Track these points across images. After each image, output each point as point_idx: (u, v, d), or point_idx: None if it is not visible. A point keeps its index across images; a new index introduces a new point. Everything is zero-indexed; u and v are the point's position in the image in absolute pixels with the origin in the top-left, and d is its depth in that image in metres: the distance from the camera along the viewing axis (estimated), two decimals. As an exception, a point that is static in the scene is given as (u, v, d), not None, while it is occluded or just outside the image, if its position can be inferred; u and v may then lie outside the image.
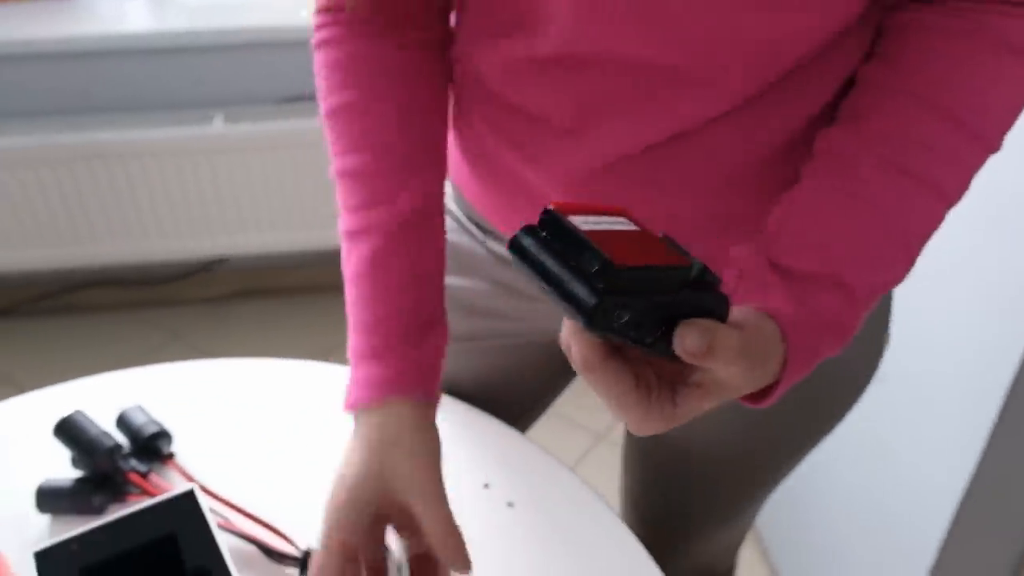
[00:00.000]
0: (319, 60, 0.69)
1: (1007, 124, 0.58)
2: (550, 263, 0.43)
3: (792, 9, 0.56)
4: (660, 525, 0.94)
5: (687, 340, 0.44)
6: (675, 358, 0.46)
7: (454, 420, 0.84)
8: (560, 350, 0.89)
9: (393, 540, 0.65)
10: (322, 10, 0.69)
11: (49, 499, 0.73)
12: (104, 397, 0.83)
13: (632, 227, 0.46)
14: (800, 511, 1.53)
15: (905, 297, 1.14)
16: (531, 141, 0.67)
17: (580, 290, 0.41)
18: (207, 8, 1.88)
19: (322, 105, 0.69)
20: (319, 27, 0.69)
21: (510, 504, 0.76)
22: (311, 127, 1.85)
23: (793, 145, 0.61)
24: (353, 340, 0.67)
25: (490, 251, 0.80)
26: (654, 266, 0.43)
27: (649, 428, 0.49)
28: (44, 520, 0.73)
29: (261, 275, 2.24)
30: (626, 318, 0.43)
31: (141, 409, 0.80)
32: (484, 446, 0.82)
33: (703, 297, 0.46)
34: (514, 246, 0.44)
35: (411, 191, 0.67)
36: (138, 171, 1.87)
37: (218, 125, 1.87)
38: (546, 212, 0.44)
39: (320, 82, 0.69)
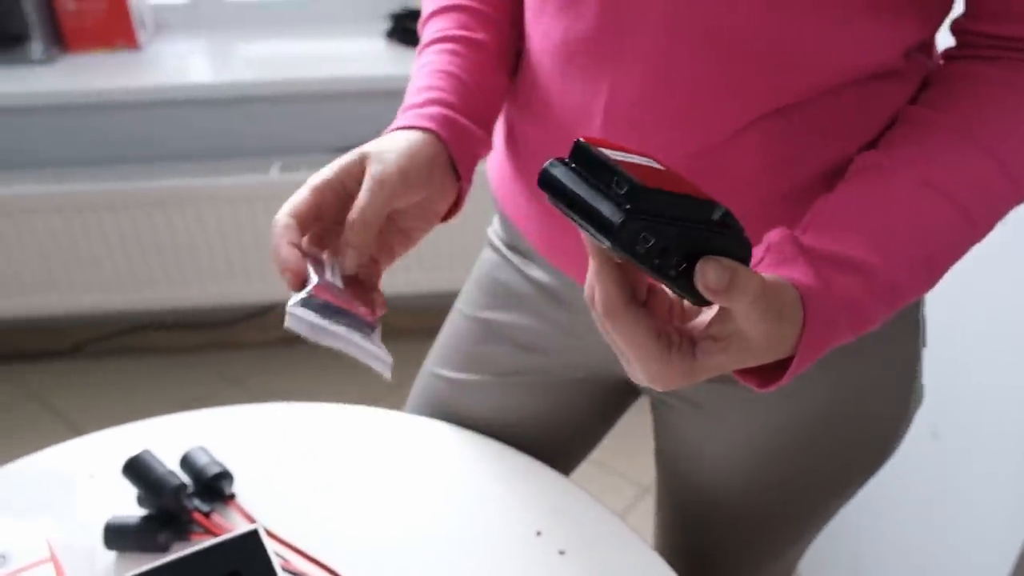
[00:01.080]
0: None
1: None
2: (579, 188, 0.44)
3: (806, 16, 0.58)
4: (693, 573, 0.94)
5: (709, 274, 0.45)
6: (696, 297, 0.47)
7: (506, 467, 0.86)
8: (605, 388, 0.91)
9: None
10: None
11: (116, 536, 0.75)
12: (167, 438, 0.85)
13: (659, 167, 0.47)
14: (849, 567, 1.51)
15: (961, 354, 1.14)
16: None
17: (607, 209, 0.43)
18: (266, 60, 1.95)
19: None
20: None
21: (562, 552, 0.77)
22: (364, 176, 1.90)
23: (827, 182, 0.62)
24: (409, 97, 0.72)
25: (532, 281, 0.83)
26: (681, 194, 0.45)
27: (668, 380, 0.50)
28: (111, 557, 0.76)
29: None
30: (652, 242, 0.44)
31: (204, 450, 0.82)
32: (536, 494, 0.83)
33: (727, 238, 0.47)
34: (544, 177, 0.46)
35: (492, 35, 0.74)
36: (196, 217, 1.92)
37: (275, 174, 1.92)
38: (577, 144, 0.45)
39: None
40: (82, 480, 0.83)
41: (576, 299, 0.79)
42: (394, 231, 0.67)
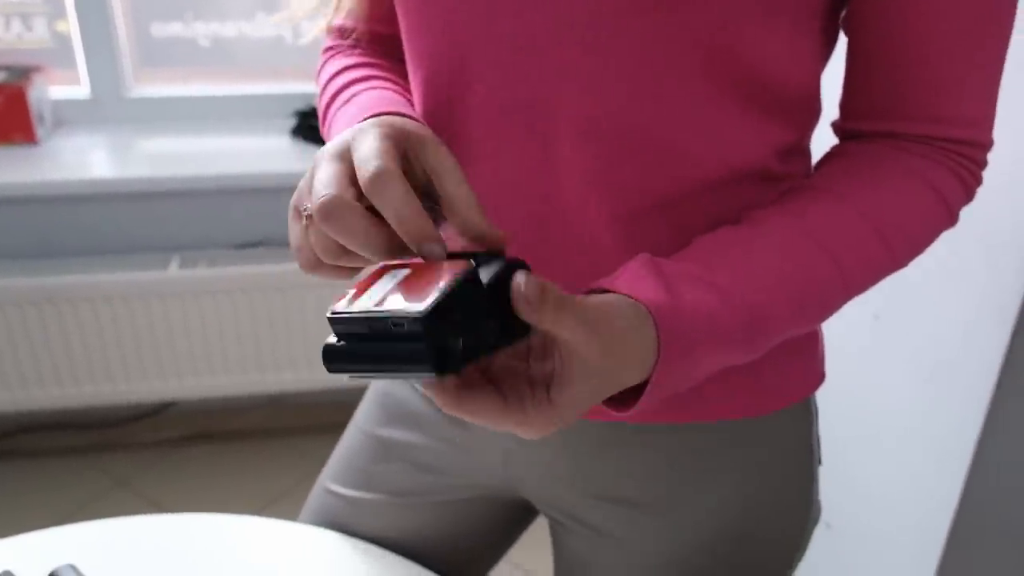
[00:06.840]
0: (322, 62, 0.79)
1: (914, 246, 0.62)
2: (369, 354, 0.43)
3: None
4: None
5: (522, 286, 0.45)
6: (530, 333, 0.48)
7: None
8: (503, 507, 0.88)
9: None
10: (331, 32, 0.80)
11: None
12: (35, 556, 0.81)
13: (407, 269, 0.47)
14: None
15: (851, 449, 1.16)
16: None
17: (411, 353, 0.42)
18: (167, 156, 1.93)
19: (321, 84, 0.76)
20: (326, 48, 0.80)
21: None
22: (264, 272, 1.89)
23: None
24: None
25: (428, 398, 0.81)
26: (448, 285, 0.44)
27: (535, 431, 0.50)
28: None
29: (210, 419, 2.22)
30: (461, 341, 0.43)
31: (73, 568, 0.78)
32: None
33: (516, 273, 0.47)
34: (330, 359, 0.45)
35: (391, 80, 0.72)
36: (90, 315, 1.87)
37: (173, 269, 1.89)
38: (330, 320, 0.44)
39: (322, 74, 0.77)
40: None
41: None
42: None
